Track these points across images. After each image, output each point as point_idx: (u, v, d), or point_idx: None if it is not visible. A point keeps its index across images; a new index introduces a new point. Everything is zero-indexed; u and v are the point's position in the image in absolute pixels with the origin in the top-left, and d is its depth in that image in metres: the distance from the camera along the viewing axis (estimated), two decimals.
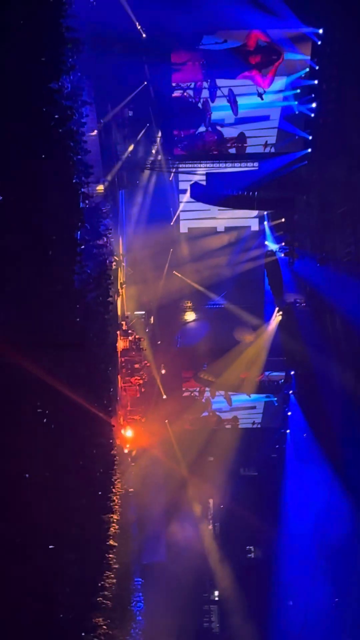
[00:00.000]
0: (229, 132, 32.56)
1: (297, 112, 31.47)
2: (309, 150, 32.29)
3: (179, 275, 36.48)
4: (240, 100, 31.54)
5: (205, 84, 31.32)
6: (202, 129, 32.47)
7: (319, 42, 29.62)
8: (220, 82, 31.44)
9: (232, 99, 31.55)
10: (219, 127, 32.39)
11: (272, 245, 36.20)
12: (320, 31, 29.44)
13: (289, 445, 37.80)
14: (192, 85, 31.35)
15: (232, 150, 32.85)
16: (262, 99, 31.42)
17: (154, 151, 33.78)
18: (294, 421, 37.42)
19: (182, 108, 31.80)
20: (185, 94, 31.53)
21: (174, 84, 31.18)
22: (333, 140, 31.30)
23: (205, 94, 31.55)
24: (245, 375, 36.88)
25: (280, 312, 36.03)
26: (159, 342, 35.95)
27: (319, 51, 29.83)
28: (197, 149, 32.81)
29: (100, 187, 29.00)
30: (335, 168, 32.41)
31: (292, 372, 36.91)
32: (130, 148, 32.84)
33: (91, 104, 23.63)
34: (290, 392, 37.23)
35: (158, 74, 30.87)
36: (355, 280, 31.40)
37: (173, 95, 31.46)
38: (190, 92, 31.51)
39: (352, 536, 31.05)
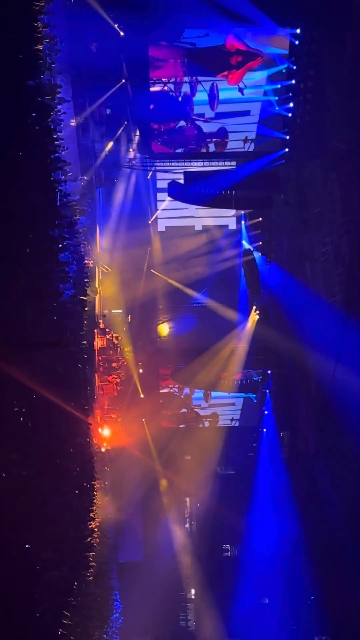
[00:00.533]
0: (209, 127, 32.58)
1: (277, 109, 31.49)
2: (287, 149, 32.40)
3: (157, 273, 36.49)
4: (221, 95, 31.55)
5: (186, 79, 31.28)
6: (182, 123, 32.44)
7: (297, 42, 29.70)
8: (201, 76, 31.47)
9: (212, 94, 31.56)
10: (198, 122, 32.39)
11: (248, 245, 36.35)
12: (298, 31, 29.53)
13: (266, 445, 37.94)
14: (173, 80, 31.30)
15: (212, 146, 32.84)
16: (242, 93, 31.48)
17: (131, 149, 33.79)
18: (271, 420, 37.59)
19: (162, 102, 31.76)
20: (165, 87, 31.49)
21: (155, 79, 31.11)
22: (310, 140, 31.40)
23: (186, 88, 31.52)
24: (224, 374, 36.97)
25: (258, 311, 36.15)
26: (137, 341, 35.92)
27: (296, 51, 29.89)
28: (178, 143, 32.79)
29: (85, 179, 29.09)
30: (312, 167, 32.56)
31: (269, 371, 37.07)
32: (109, 146, 32.81)
33: (69, 101, 23.58)
34: (267, 391, 37.40)
35: (137, 72, 30.84)
36: (330, 279, 31.58)
37: (153, 89, 31.37)
38: (171, 86, 31.48)
39: (327, 534, 31.17)
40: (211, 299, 36.77)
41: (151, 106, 31.79)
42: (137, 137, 33.48)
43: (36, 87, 17.58)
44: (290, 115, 31.47)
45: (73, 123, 26.59)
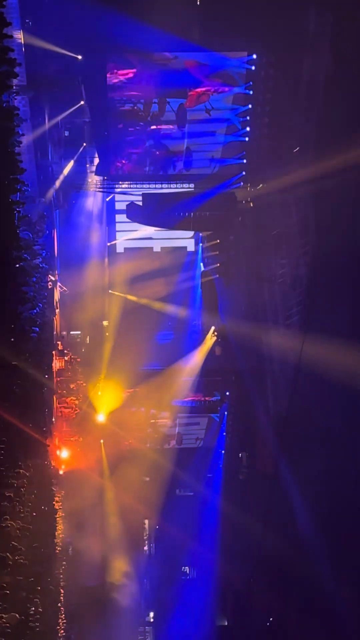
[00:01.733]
0: (176, 147, 32.78)
1: (240, 129, 31.86)
2: (243, 173, 32.78)
3: (116, 293, 36.46)
4: (189, 116, 31.84)
5: (155, 99, 31.50)
6: (150, 142, 32.58)
7: (253, 67, 30.12)
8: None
9: (180, 115, 31.79)
10: (165, 142, 32.58)
11: (204, 267, 36.62)
12: (254, 56, 29.93)
13: (225, 466, 37.94)
14: (142, 100, 31.49)
15: (180, 164, 32.99)
16: (209, 115, 31.79)
17: (90, 171, 33.85)
18: (228, 441, 37.65)
19: (131, 122, 31.89)
20: (135, 107, 31.61)
21: (124, 97, 31.23)
22: (267, 163, 31.77)
23: (154, 107, 31.67)
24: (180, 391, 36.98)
25: (215, 333, 36.29)
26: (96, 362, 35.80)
27: (253, 75, 30.29)
28: (147, 162, 32.93)
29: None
30: (269, 190, 32.86)
31: (227, 392, 37.14)
32: (67, 169, 32.87)
33: (26, 120, 23.57)
34: (225, 412, 37.45)
35: (95, 94, 30.96)
36: (287, 301, 31.81)
37: (123, 109, 31.49)
38: (140, 107, 31.61)
39: (286, 556, 31.19)
40: (170, 321, 36.88)
41: (120, 125, 31.86)
42: (95, 159, 33.55)
43: None
44: (247, 139, 31.87)
45: (30, 148, 26.55)
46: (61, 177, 32.70)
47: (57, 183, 32.65)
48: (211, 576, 36.79)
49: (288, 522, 30.49)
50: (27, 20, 26.09)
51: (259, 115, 31.20)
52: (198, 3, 29.20)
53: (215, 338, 36.31)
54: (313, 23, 27.83)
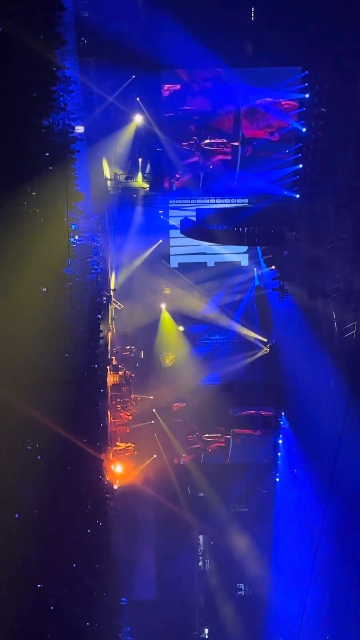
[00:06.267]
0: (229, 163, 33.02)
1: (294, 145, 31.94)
2: (296, 188, 32.67)
3: (167, 309, 36.68)
4: None
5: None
6: (203, 158, 32.78)
7: (306, 84, 30.10)
8: None
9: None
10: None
11: (259, 281, 36.56)
12: (307, 72, 29.94)
13: (280, 481, 37.65)
14: (197, 115, 31.88)
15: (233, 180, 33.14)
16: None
17: (144, 187, 34.03)
18: (285, 458, 37.36)
19: (185, 137, 32.16)
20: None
21: (188, 107, 31.42)
22: (321, 178, 31.57)
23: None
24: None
25: (268, 347, 36.17)
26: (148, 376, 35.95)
27: (307, 90, 30.27)
28: (199, 178, 33.15)
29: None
30: (323, 204, 32.64)
31: (281, 409, 36.87)
32: (121, 184, 33.11)
33: (81, 139, 23.84)
34: (281, 428, 37.20)
35: (151, 111, 31.24)
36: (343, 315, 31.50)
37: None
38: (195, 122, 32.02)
39: (346, 571, 30.77)
40: (224, 335, 36.96)
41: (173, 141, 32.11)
42: (149, 174, 33.73)
43: (49, 126, 17.80)
44: (300, 155, 31.78)
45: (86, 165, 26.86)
46: (115, 193, 32.94)
47: (112, 198, 32.89)
48: (266, 593, 36.43)
49: (341, 539, 30.18)
50: (82, 39, 26.43)
51: (312, 129, 31.05)
52: (252, 19, 29.27)
53: (266, 351, 36.26)
54: None
